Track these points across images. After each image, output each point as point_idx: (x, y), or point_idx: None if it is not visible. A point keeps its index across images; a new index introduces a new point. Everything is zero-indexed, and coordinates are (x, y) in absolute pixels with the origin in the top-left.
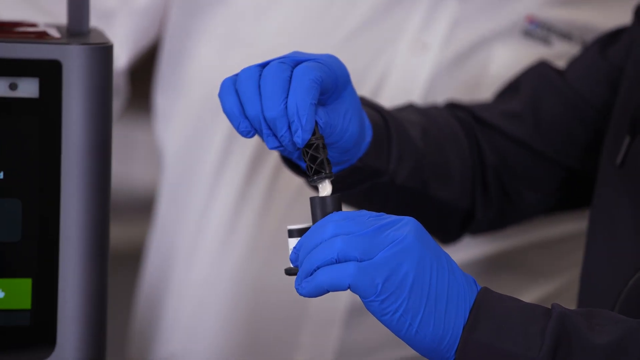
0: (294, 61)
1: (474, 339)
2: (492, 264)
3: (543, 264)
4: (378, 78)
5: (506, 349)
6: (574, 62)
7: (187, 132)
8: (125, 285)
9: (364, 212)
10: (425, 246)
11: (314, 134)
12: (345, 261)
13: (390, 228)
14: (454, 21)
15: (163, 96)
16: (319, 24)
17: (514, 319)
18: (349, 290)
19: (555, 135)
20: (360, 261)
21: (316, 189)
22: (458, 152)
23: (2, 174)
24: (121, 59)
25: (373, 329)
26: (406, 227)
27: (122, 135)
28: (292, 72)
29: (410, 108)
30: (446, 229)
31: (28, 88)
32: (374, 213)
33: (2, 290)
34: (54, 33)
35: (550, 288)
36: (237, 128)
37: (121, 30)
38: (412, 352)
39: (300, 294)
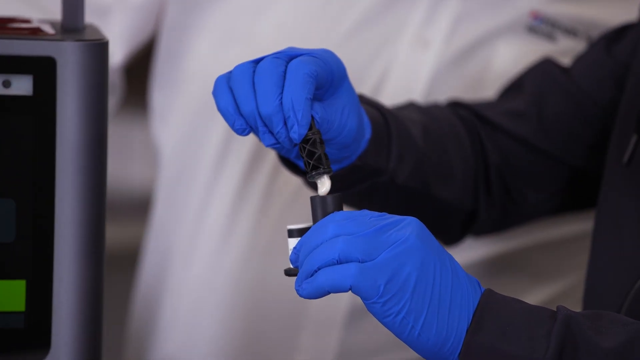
0: (288, 56)
1: (478, 341)
2: (496, 265)
3: (547, 266)
4: (379, 75)
5: (510, 352)
6: (579, 60)
7: (184, 129)
8: (122, 286)
9: (366, 211)
10: (428, 247)
11: (310, 128)
12: (347, 262)
13: (392, 228)
14: (456, 17)
15: (160, 93)
16: (319, 21)
17: (519, 321)
18: (350, 291)
19: (560, 134)
20: (362, 262)
21: (314, 185)
22: (460, 151)
23: None
24: (117, 55)
25: (374, 331)
26: (409, 227)
27: (118, 133)
28: (286, 67)
29: (411, 107)
30: (448, 229)
31: (22, 85)
32: (376, 213)
33: None
34: (48, 29)
35: (555, 290)
36: (232, 126)
37: (117, 26)
38: (413, 354)
39: (301, 295)
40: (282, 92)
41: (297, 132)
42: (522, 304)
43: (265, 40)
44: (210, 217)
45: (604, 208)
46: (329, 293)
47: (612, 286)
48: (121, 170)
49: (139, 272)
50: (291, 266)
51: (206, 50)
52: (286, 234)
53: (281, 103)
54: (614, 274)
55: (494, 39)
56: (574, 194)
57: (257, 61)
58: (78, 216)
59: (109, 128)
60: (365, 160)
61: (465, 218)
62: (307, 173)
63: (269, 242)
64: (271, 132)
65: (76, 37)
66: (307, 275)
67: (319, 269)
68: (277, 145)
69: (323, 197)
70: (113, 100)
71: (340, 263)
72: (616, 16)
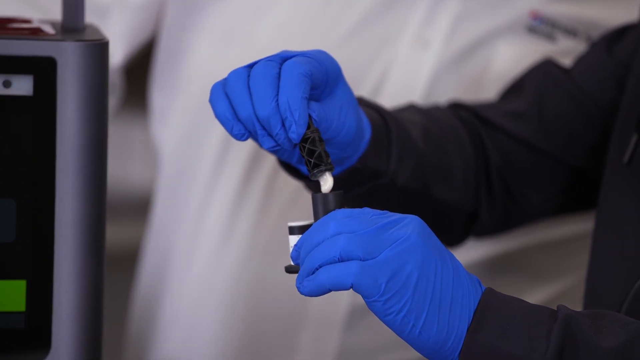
0: (282, 58)
1: (478, 340)
2: (496, 265)
3: (547, 266)
4: (379, 75)
5: (511, 352)
6: (580, 60)
7: (184, 130)
8: (122, 286)
9: (367, 209)
10: (430, 245)
11: (308, 127)
12: (348, 260)
13: (394, 226)
14: (456, 17)
15: (159, 94)
16: (319, 21)
17: (519, 320)
18: (350, 291)
19: (560, 134)
20: (364, 260)
21: (315, 188)
22: (460, 152)
23: None
24: (117, 55)
25: (374, 331)
26: (410, 225)
27: (117, 133)
28: (280, 68)
29: (411, 108)
30: (450, 231)
31: (22, 85)
32: (377, 211)
33: None
34: (49, 29)
35: (555, 290)
36: (231, 132)
37: (117, 26)
38: (413, 354)
39: (302, 293)
40: (277, 94)
41: (296, 131)
42: (522, 303)
43: (265, 40)
44: (210, 217)
45: (604, 208)
46: (330, 291)
47: (612, 286)
48: (121, 170)
49: (138, 272)
50: (292, 263)
51: (206, 51)
52: (286, 233)
53: (277, 104)
54: (614, 273)
55: (493, 39)
56: (575, 195)
57: (251, 65)
58: (78, 216)
59: (109, 128)
60: (365, 162)
61: (467, 219)
62: (309, 172)
63: (269, 242)
64: (270, 135)
65: (76, 37)
66: (308, 272)
67: (320, 266)
68: (277, 148)
69: (324, 195)
70: (113, 100)
71: (342, 261)
72: (616, 16)
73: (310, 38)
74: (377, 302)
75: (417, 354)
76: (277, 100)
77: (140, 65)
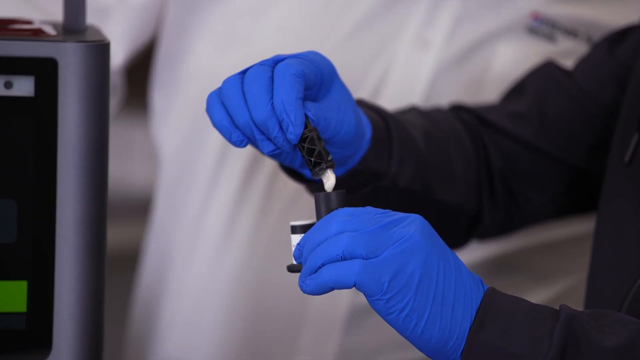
0: (274, 62)
1: (480, 340)
2: (496, 266)
3: (548, 266)
4: (379, 76)
5: (513, 351)
6: (582, 61)
7: (184, 131)
8: (122, 287)
9: (370, 208)
10: (432, 244)
11: (306, 127)
12: (351, 258)
13: (396, 225)
14: (456, 18)
15: (160, 95)
16: (319, 22)
17: (521, 320)
18: (350, 292)
19: (562, 135)
20: (366, 259)
21: (316, 189)
22: (462, 154)
23: None
24: (118, 56)
25: (374, 332)
26: (413, 224)
27: (118, 134)
28: (273, 72)
29: (412, 111)
30: (452, 233)
31: (23, 86)
32: (380, 210)
33: None
34: (50, 30)
35: (555, 290)
36: (230, 139)
37: (117, 27)
38: (413, 355)
39: (304, 292)
40: (272, 97)
41: (293, 132)
42: (524, 303)
43: (266, 41)
44: (211, 218)
45: (605, 208)
46: (332, 289)
47: (613, 285)
48: (122, 171)
49: (139, 273)
50: (294, 262)
51: (206, 52)
52: (287, 233)
53: (273, 107)
54: (615, 273)
55: (494, 39)
56: (577, 196)
57: (244, 72)
58: (79, 217)
59: (109, 129)
60: (367, 164)
61: (469, 221)
62: (310, 171)
63: (269, 243)
64: (269, 139)
65: (78, 38)
66: (311, 271)
67: (323, 265)
68: (277, 151)
69: (327, 194)
70: (114, 101)
71: (345, 259)
72: (616, 17)
73: (310, 39)
74: (379, 301)
75: (417, 355)
76: (273, 103)
77: (141, 66)
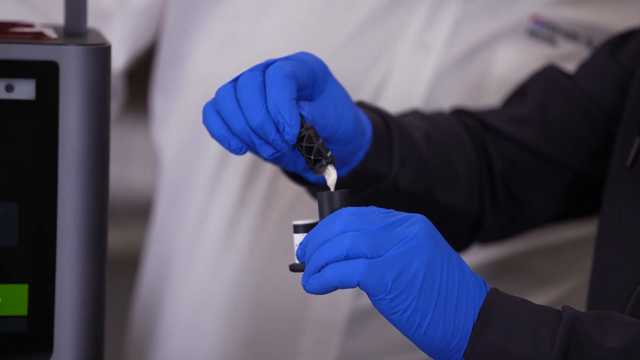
0: (264, 66)
1: (483, 340)
2: (498, 269)
3: (549, 270)
4: (379, 79)
5: (515, 352)
6: (584, 65)
7: (185, 134)
8: (123, 291)
9: (373, 208)
10: (436, 244)
11: (302, 126)
12: (355, 258)
13: (400, 225)
14: (456, 21)
15: (161, 98)
16: (319, 25)
17: (524, 321)
18: (351, 295)
19: (563, 139)
20: (370, 258)
21: (324, 186)
22: (463, 157)
23: None
24: (118, 60)
25: (374, 335)
26: (416, 224)
27: (119, 137)
28: (264, 76)
29: (414, 114)
30: (454, 236)
31: (24, 90)
32: (383, 210)
33: None
34: (51, 33)
35: (557, 294)
36: (229, 148)
37: (118, 31)
38: (414, 358)
39: (308, 291)
40: (266, 100)
41: (290, 132)
42: (527, 304)
43: (266, 44)
44: (211, 221)
45: (607, 210)
46: (336, 289)
47: (616, 288)
48: (122, 174)
49: (140, 276)
50: (297, 262)
51: (207, 55)
52: (287, 236)
53: (268, 110)
54: (617, 275)
55: (494, 43)
56: (579, 200)
57: (236, 79)
58: (80, 220)
59: (110, 132)
60: (367, 165)
61: (471, 225)
62: (312, 169)
63: (270, 246)
64: (268, 143)
65: (79, 41)
66: (314, 270)
67: (327, 264)
68: (278, 154)
69: (330, 193)
70: (115, 104)
71: (348, 259)
72: (616, 20)
73: (310, 42)
74: (383, 301)
75: (418, 358)
76: (267, 106)
77: (142, 69)
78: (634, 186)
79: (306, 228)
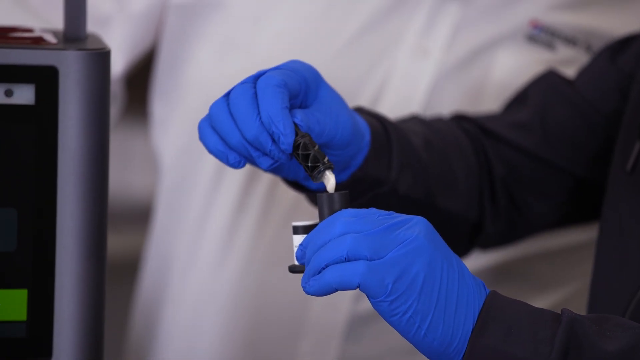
0: (255, 78)
1: (482, 343)
2: (498, 273)
3: (549, 274)
4: (378, 84)
5: (515, 354)
6: (584, 70)
7: (184, 139)
8: (123, 295)
9: (374, 210)
10: (436, 247)
11: (297, 134)
12: (355, 260)
13: (400, 227)
14: (455, 26)
15: (160, 103)
16: (318, 30)
17: (523, 323)
18: (350, 299)
19: (563, 144)
20: (371, 260)
21: (320, 191)
22: (463, 162)
23: None
24: (118, 65)
25: (374, 339)
26: (417, 226)
27: (118, 142)
28: (255, 88)
29: (413, 119)
30: (454, 241)
31: (24, 94)
32: (384, 212)
33: None
34: (50, 38)
35: (556, 298)
36: (227, 162)
37: (118, 36)
38: None
39: (308, 292)
40: (259, 112)
41: (285, 142)
42: (526, 307)
43: (265, 48)
44: (211, 226)
45: (608, 215)
46: (336, 290)
47: (616, 292)
48: (122, 178)
49: (139, 280)
50: (296, 263)
51: (206, 59)
52: (287, 240)
53: (262, 122)
54: (617, 280)
55: (493, 47)
56: (579, 204)
57: (228, 94)
58: (80, 225)
59: (110, 137)
60: (366, 170)
61: (471, 230)
62: (310, 177)
63: (269, 250)
64: (265, 154)
65: (78, 46)
66: (314, 272)
67: (327, 266)
68: (276, 164)
69: (330, 195)
70: (114, 109)
71: (349, 260)
72: (616, 25)
73: (310, 47)
74: (383, 303)
75: None
76: (260, 118)
77: (141, 74)
78: (635, 191)
79: (306, 229)
